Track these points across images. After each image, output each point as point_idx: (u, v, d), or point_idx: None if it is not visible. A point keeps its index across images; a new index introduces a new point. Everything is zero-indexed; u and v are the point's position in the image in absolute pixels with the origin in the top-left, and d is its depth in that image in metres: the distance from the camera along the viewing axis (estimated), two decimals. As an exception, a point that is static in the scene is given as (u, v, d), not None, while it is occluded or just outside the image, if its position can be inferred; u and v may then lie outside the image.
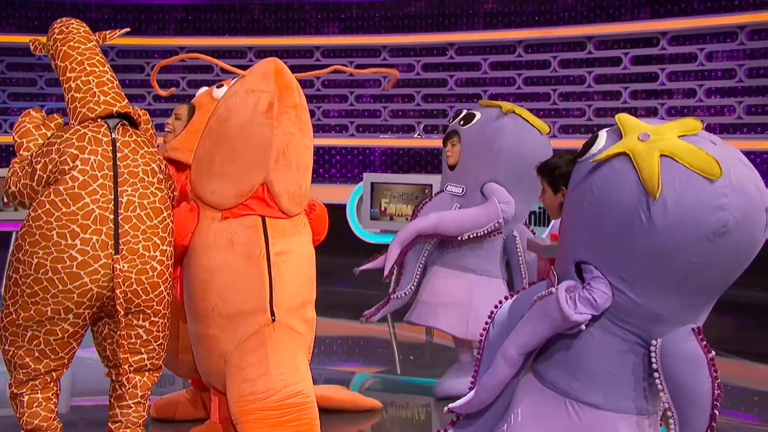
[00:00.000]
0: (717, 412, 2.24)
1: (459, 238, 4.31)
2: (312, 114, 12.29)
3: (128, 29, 3.56)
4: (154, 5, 11.37)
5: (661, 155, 2.24)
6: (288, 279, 3.25)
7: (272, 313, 3.19)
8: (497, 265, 4.46)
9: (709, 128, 9.23)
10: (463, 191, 4.41)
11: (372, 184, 7.83)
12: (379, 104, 10.86)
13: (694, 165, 2.21)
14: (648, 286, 2.31)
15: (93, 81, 3.24)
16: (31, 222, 3.02)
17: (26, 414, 3.11)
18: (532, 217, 7.81)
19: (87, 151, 3.06)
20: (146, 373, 3.22)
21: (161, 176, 3.23)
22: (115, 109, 3.20)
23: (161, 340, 3.22)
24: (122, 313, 3.02)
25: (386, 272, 4.33)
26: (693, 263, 2.25)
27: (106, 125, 3.15)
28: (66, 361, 3.15)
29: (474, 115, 4.45)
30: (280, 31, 11.19)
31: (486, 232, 4.29)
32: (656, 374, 2.31)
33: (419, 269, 4.44)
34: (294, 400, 3.10)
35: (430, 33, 10.91)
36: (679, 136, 2.28)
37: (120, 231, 3.04)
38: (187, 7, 11.35)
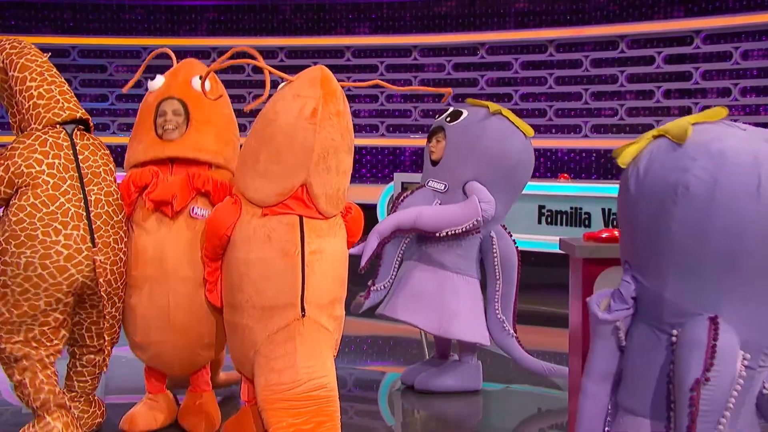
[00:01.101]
0: (697, 400, 2.13)
1: (437, 234, 4.31)
2: (343, 114, 12.06)
3: (49, 54, 3.82)
4: (186, 6, 11.46)
5: (655, 135, 2.33)
6: (320, 277, 3.36)
7: (302, 309, 3.32)
8: (473, 264, 4.47)
9: (744, 128, 9.11)
10: (445, 188, 4.42)
11: (403, 184, 7.82)
12: (409, 104, 10.85)
13: (673, 135, 2.27)
14: (649, 268, 2.32)
15: (55, 89, 3.58)
16: (14, 226, 3.31)
17: (32, 393, 3.40)
18: (564, 217, 7.77)
19: (51, 156, 3.40)
20: (105, 351, 3.62)
21: (115, 176, 3.62)
22: (78, 115, 3.55)
23: (119, 319, 3.66)
24: (105, 298, 3.44)
25: (363, 263, 4.34)
26: (671, 232, 2.23)
27: (64, 131, 3.49)
28: (60, 346, 3.50)
29: (461, 113, 4.47)
30: (311, 31, 11.21)
31: (464, 230, 4.31)
32: (671, 366, 2.27)
33: (397, 262, 4.45)
34: (317, 393, 3.22)
35: (460, 33, 10.87)
36: (693, 123, 2.30)
37: (93, 226, 3.41)
38: (219, 8, 11.42)
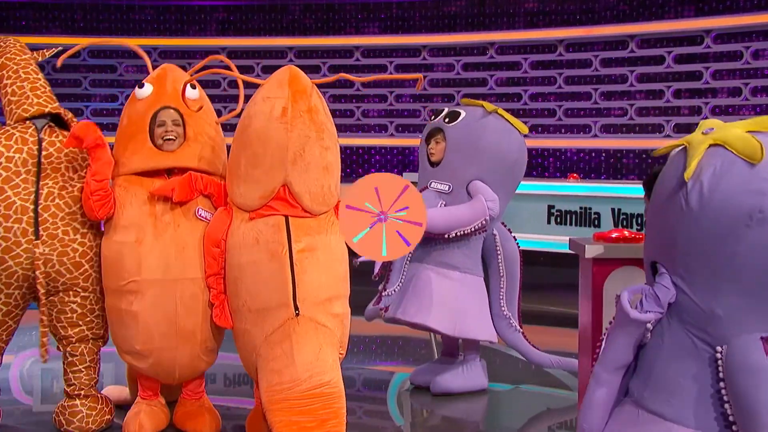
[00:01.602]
0: None
1: (446, 235, 4.32)
2: (351, 114, 12.29)
3: (60, 48, 4.04)
4: (196, 6, 11.48)
5: (712, 144, 2.21)
6: (312, 275, 3.38)
7: (296, 308, 3.33)
8: (478, 263, 4.52)
9: (754, 128, 9.06)
10: (449, 189, 4.44)
11: (412, 183, 7.81)
12: (418, 104, 10.83)
13: (741, 151, 2.16)
14: (702, 282, 2.25)
15: (27, 86, 3.71)
16: None
17: None
18: (573, 217, 7.75)
19: (12, 150, 3.51)
20: (90, 342, 3.69)
21: (82, 173, 3.62)
22: (47, 110, 3.65)
23: (98, 312, 3.68)
24: (42, 291, 3.49)
25: (377, 270, 4.35)
26: (738, 254, 2.17)
27: (34, 126, 3.60)
28: (5, 337, 3.65)
29: (459, 114, 4.49)
30: (320, 31, 11.21)
31: (473, 229, 4.34)
32: (721, 384, 2.23)
33: (406, 265, 4.46)
34: (320, 391, 3.23)
35: (470, 32, 10.85)
36: (748, 131, 2.21)
37: (40, 219, 3.49)
38: (228, 8, 11.43)
